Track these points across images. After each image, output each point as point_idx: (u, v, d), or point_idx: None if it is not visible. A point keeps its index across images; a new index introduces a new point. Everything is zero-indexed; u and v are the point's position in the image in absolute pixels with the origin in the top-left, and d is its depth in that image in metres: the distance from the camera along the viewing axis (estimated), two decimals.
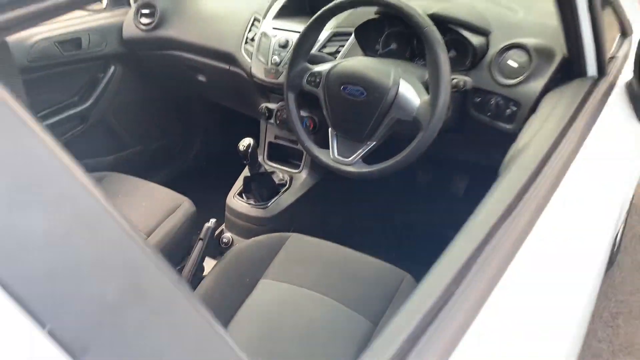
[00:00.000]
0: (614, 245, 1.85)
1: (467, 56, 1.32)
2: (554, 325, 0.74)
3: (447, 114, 1.27)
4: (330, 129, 1.28)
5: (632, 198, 2.13)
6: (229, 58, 1.68)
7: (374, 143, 1.21)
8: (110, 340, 0.30)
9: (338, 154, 1.25)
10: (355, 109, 1.19)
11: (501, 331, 0.65)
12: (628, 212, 2.06)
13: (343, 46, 1.46)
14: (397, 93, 1.15)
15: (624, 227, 2.12)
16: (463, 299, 0.60)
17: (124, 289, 0.31)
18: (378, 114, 1.17)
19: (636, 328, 1.81)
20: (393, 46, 1.42)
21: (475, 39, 1.30)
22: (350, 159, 1.23)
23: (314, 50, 1.43)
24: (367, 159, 1.23)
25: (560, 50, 1.23)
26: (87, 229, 0.30)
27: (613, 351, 1.74)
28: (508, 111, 1.24)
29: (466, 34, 1.30)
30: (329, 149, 1.28)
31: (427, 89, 1.17)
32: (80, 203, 0.30)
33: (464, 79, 1.23)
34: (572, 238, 0.85)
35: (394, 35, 1.41)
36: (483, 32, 1.32)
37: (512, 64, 1.26)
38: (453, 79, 1.21)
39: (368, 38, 1.44)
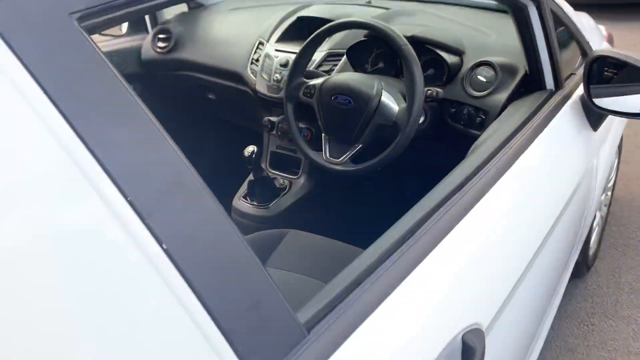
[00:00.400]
0: (586, 251, 2.00)
1: (443, 73, 1.51)
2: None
3: (425, 122, 1.46)
4: (323, 134, 1.47)
5: (609, 205, 2.30)
6: (236, 77, 1.89)
7: (361, 145, 1.40)
8: (165, 212, 0.48)
9: (330, 155, 1.44)
10: (344, 115, 1.39)
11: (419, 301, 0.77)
12: (603, 220, 2.22)
13: (336, 65, 1.67)
14: (379, 102, 1.35)
15: (600, 236, 2.28)
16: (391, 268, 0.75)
17: (172, 182, 0.50)
18: (363, 120, 1.36)
19: (609, 327, 1.95)
20: (380, 65, 1.62)
21: (450, 58, 1.50)
22: (340, 159, 1.42)
23: (311, 69, 1.64)
24: (355, 160, 1.41)
25: (522, 67, 1.42)
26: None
27: (588, 346, 1.88)
28: (478, 119, 1.43)
29: (442, 53, 1.50)
30: (322, 151, 1.47)
31: (405, 98, 1.36)
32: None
33: (436, 90, 1.43)
34: (500, 229, 0.98)
35: (381, 55, 1.61)
36: (457, 52, 1.52)
37: (481, 78, 1.45)
38: (427, 90, 1.40)
39: (358, 58, 1.64)
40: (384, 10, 1.81)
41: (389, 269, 0.72)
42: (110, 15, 0.51)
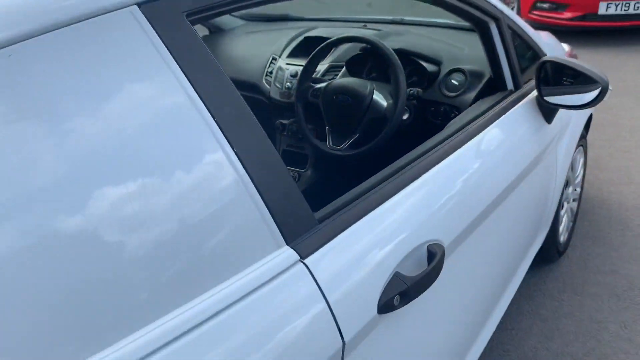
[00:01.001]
0: (555, 236, 2.30)
1: (424, 79, 1.85)
2: None
3: (410, 118, 1.80)
4: (327, 127, 1.81)
5: (579, 201, 2.60)
6: (253, 87, 2.24)
7: (357, 135, 1.73)
8: (239, 136, 0.82)
9: (332, 144, 1.77)
10: (344, 111, 1.72)
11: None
12: (573, 213, 2.52)
13: (337, 75, 2.01)
14: (371, 99, 1.69)
15: (572, 229, 2.59)
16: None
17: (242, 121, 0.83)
18: (359, 114, 1.69)
19: (577, 301, 2.24)
20: (373, 75, 1.96)
21: (429, 67, 1.84)
22: (340, 146, 1.75)
23: (317, 77, 1.98)
24: (352, 146, 1.74)
25: (487, 72, 1.76)
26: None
27: (557, 317, 2.17)
28: (452, 115, 1.76)
29: (423, 63, 1.85)
30: (326, 141, 1.80)
31: (392, 97, 1.70)
32: None
33: (416, 90, 1.77)
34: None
35: (374, 66, 1.96)
36: (435, 62, 1.86)
37: (455, 82, 1.79)
38: (409, 90, 1.74)
39: (355, 69, 1.98)
40: (377, 31, 2.17)
41: (383, 189, 1.05)
42: (210, 13, 0.86)
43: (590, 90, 1.59)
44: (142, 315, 0.67)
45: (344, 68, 2.00)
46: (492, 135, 1.45)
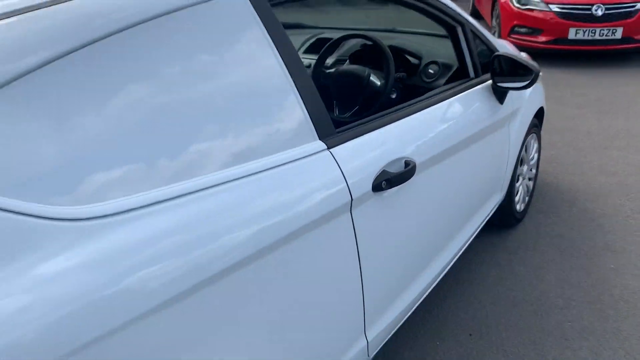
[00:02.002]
0: (511, 204, 2.87)
1: (409, 70, 2.44)
2: None
3: (397, 97, 2.37)
4: (334, 102, 2.38)
5: (535, 180, 3.18)
6: None
7: (357, 107, 2.30)
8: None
9: (338, 114, 2.34)
10: (348, 90, 2.29)
11: None
12: (529, 189, 3.09)
13: (343, 65, 2.59)
14: (368, 80, 2.26)
15: (528, 203, 3.16)
16: None
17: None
18: (359, 91, 2.27)
19: (529, 256, 2.80)
20: (370, 65, 2.54)
21: (413, 60, 2.43)
22: (344, 115, 2.32)
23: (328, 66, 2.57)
24: (353, 115, 2.31)
25: (455, 64, 2.35)
26: None
27: (511, 264, 2.72)
28: None
29: (409, 57, 2.44)
30: (333, 112, 2.37)
31: (384, 78, 2.28)
32: None
33: (401, 74, 2.35)
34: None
35: (371, 59, 2.54)
36: (417, 57, 2.45)
37: (431, 71, 2.38)
38: (396, 75, 2.32)
39: (356, 61, 2.56)
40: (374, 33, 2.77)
41: (379, 121, 1.61)
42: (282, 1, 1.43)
43: (528, 76, 2.18)
44: (226, 162, 1.21)
45: (347, 60, 2.58)
46: (456, 102, 2.02)
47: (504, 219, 2.91)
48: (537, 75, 2.15)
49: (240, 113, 1.24)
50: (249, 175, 1.21)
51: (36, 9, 1.00)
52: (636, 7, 5.95)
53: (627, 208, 3.20)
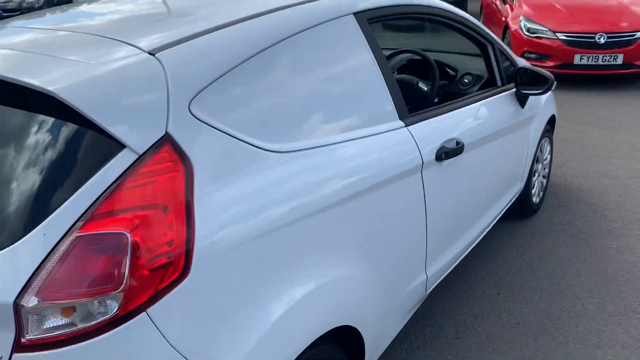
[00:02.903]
0: (529, 195, 3.41)
1: (448, 79, 3.01)
2: None
3: (438, 101, 2.94)
4: None
5: (548, 177, 3.72)
6: None
7: (408, 107, 2.86)
8: None
9: None
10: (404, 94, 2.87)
11: None
12: (543, 185, 3.62)
13: None
14: (417, 86, 2.83)
15: (543, 197, 3.70)
16: None
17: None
18: (409, 95, 2.83)
19: (544, 239, 3.33)
20: (416, 76, 3.12)
21: (451, 72, 3.01)
22: None
23: None
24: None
25: (485, 75, 2.92)
26: None
27: (528, 244, 3.25)
28: None
29: (448, 69, 3.02)
30: None
31: (430, 85, 2.85)
32: None
33: (443, 82, 2.92)
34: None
35: (415, 72, 3.11)
36: (454, 70, 3.03)
37: (466, 80, 2.95)
38: (441, 82, 2.89)
39: (403, 73, 3.13)
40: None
41: (434, 112, 2.17)
42: (374, 20, 2.00)
43: (545, 84, 2.74)
44: (347, 128, 1.76)
45: (395, 72, 3.16)
46: (488, 104, 2.59)
47: (523, 208, 3.45)
48: (552, 83, 2.71)
49: (354, 97, 1.80)
50: (360, 138, 1.76)
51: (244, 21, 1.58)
52: (635, 36, 6.55)
53: (627, 203, 3.73)
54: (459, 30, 2.56)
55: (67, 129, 1.21)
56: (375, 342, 1.83)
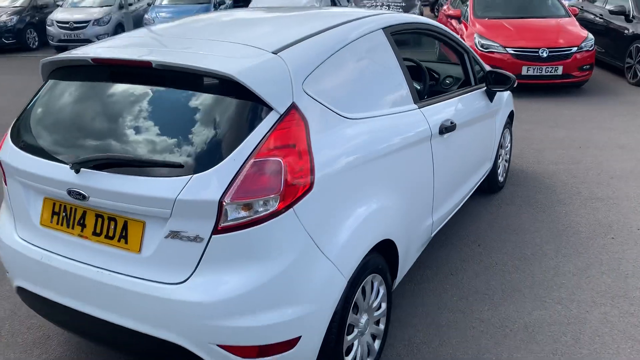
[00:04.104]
0: (495, 175, 4.26)
1: (434, 80, 3.84)
2: None
3: (428, 93, 3.75)
4: None
5: (509, 162, 4.60)
6: None
7: None
8: None
9: None
10: None
11: None
12: (505, 167, 4.49)
13: None
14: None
15: (505, 177, 4.56)
16: None
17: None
18: None
19: (508, 208, 4.18)
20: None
21: (436, 75, 3.84)
22: None
23: None
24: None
25: (462, 77, 3.76)
26: None
27: (497, 212, 4.09)
28: None
29: (434, 73, 3.85)
30: None
31: (422, 85, 3.65)
32: None
33: (431, 82, 3.74)
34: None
35: (411, 75, 3.91)
36: (438, 74, 3.86)
37: (447, 82, 3.79)
38: (430, 82, 3.71)
39: None
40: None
41: (428, 102, 2.98)
42: (394, 35, 2.79)
43: (509, 83, 3.60)
44: (383, 106, 2.53)
45: None
46: (467, 97, 3.42)
47: (491, 185, 4.30)
48: (514, 82, 3.58)
49: (388, 85, 2.58)
50: (394, 113, 2.54)
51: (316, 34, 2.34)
52: (572, 51, 7.65)
53: (570, 182, 4.65)
54: (445, 42, 3.39)
55: (239, 100, 1.93)
56: (403, 258, 2.59)
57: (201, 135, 1.89)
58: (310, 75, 2.11)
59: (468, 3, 9.04)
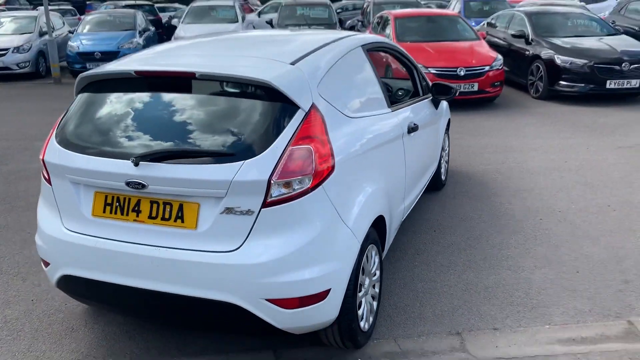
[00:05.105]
0: (439, 173, 4.93)
1: (390, 92, 4.46)
2: None
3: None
4: None
5: (448, 162, 5.30)
6: None
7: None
8: None
9: None
10: None
11: None
12: (446, 166, 5.17)
13: None
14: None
15: (446, 175, 5.26)
16: None
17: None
18: None
19: (451, 201, 4.87)
20: None
21: (390, 88, 4.47)
22: None
23: None
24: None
25: (412, 89, 4.41)
26: None
27: (442, 205, 4.75)
28: None
29: (389, 87, 4.47)
30: None
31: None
32: None
33: (389, 94, 4.36)
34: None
35: None
36: (392, 87, 4.49)
37: (400, 93, 4.42)
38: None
39: None
40: None
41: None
42: (371, 50, 3.36)
43: (451, 93, 4.29)
44: (367, 109, 3.08)
45: None
46: (420, 105, 4.05)
47: (436, 183, 4.96)
48: (456, 92, 4.27)
49: (371, 92, 3.13)
50: (377, 114, 3.09)
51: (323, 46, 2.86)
52: (484, 69, 8.66)
53: (499, 178, 5.43)
54: (400, 60, 4.02)
55: (271, 102, 2.39)
56: (389, 231, 3.12)
57: (244, 130, 2.34)
58: (321, 81, 2.62)
59: (390, 29, 9.93)
